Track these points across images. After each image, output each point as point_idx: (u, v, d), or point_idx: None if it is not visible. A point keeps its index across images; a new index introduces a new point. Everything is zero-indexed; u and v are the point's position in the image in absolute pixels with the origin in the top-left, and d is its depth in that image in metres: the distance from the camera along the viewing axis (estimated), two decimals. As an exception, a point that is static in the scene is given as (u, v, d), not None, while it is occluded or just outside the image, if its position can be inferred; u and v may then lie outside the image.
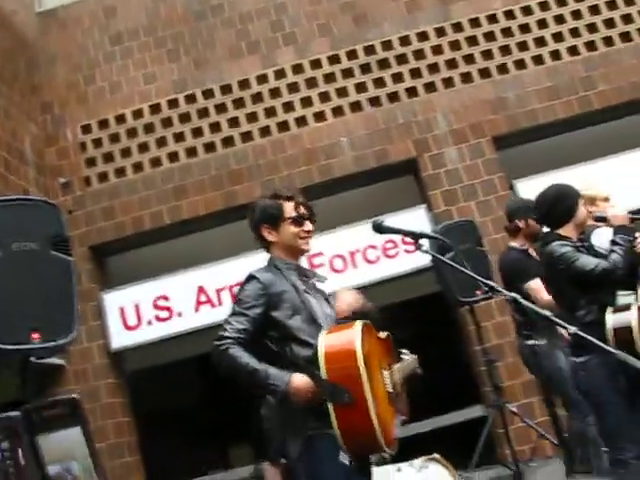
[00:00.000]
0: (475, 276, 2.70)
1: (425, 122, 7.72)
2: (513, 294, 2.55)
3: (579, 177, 7.01)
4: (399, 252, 7.32)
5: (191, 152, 7.89)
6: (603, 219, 3.84)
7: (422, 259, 6.74)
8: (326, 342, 2.75)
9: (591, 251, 3.77)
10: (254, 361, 2.75)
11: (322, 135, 7.72)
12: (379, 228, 2.94)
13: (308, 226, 3.08)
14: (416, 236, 2.85)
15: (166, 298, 7.70)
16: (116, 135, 8.01)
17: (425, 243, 2.92)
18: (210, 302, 7.63)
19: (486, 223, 7.06)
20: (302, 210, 3.08)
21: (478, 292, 5.72)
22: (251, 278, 2.93)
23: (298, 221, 3.05)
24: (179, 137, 7.93)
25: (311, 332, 2.86)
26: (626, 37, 8.06)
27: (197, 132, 7.92)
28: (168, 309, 7.69)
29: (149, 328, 7.66)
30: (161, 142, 7.93)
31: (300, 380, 2.73)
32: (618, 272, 3.57)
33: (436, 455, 4.30)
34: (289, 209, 3.06)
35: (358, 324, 2.80)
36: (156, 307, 7.69)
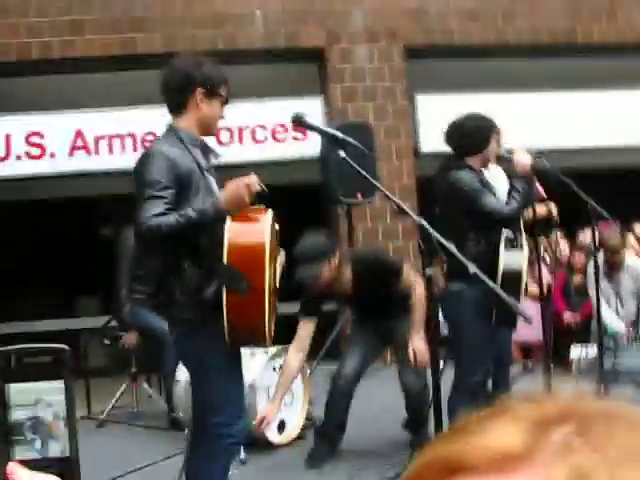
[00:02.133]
0: (379, 186, 2.64)
1: (342, 14, 7.51)
2: (419, 218, 2.43)
3: (479, 104, 7.13)
4: (287, 137, 7.24)
5: (95, -13, 7.35)
6: (507, 160, 3.82)
7: (308, 148, 6.73)
8: (233, 228, 2.64)
9: (488, 187, 3.80)
10: (180, 214, 2.58)
11: (235, 2, 7.38)
12: (300, 121, 2.82)
13: (224, 113, 2.97)
14: (336, 140, 2.72)
15: (41, 135, 7.31)
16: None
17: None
18: (86, 149, 7.33)
19: (379, 128, 7.05)
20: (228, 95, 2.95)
21: (359, 194, 5.77)
22: (157, 154, 2.71)
23: (225, 104, 2.92)
24: (86, -33, 7.34)
25: None
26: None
27: (105, -33, 7.35)
28: (41, 147, 7.33)
29: (18, 163, 7.30)
30: (63, -32, 7.32)
31: (229, 188, 2.63)
32: (514, 220, 3.66)
33: (289, 346, 4.42)
34: (225, 88, 2.92)
35: (269, 215, 2.73)
36: (28, 143, 7.30)
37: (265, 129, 7.33)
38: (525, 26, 7.91)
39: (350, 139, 2.69)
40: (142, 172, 2.70)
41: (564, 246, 7.23)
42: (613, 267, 6.30)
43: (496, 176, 4.08)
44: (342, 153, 2.63)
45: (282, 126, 7.23)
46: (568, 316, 6.74)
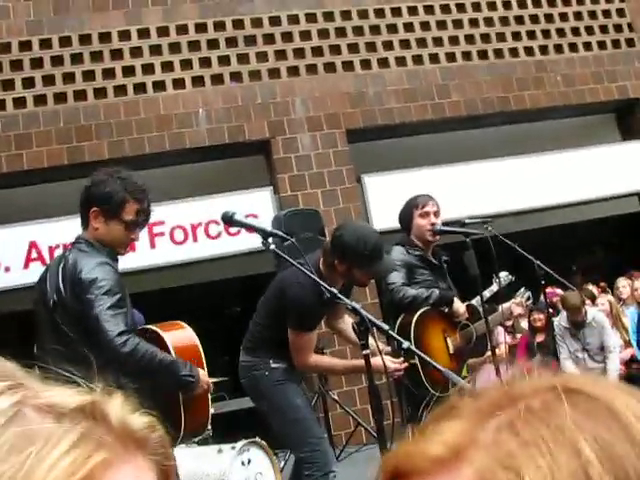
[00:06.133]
0: (318, 280, 2.73)
1: (283, 105, 7.75)
2: (352, 303, 2.61)
3: (425, 179, 7.37)
4: (241, 230, 7.28)
5: (40, 100, 7.48)
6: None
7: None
8: (170, 337, 2.89)
9: (424, 264, 4.03)
10: (164, 352, 2.66)
11: (178, 103, 7.56)
12: (229, 220, 2.85)
13: (137, 235, 2.89)
14: (265, 234, 2.79)
15: (-6, 250, 7.30)
16: (-42, 68, 7.46)
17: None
18: (41, 259, 7.31)
19: (329, 212, 7.21)
20: (141, 218, 2.86)
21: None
22: (104, 264, 2.70)
23: (131, 227, 2.84)
24: (29, 82, 7.50)
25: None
26: (484, 55, 8.49)
27: (48, 80, 7.50)
28: (-5, 261, 7.30)
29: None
30: (8, 85, 7.47)
31: (204, 375, 2.77)
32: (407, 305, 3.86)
33: (257, 439, 4.40)
34: (130, 210, 2.81)
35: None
36: (-18, 258, 7.27)
37: (218, 224, 7.40)
38: (460, 99, 8.24)
39: (277, 231, 2.82)
40: (92, 280, 2.63)
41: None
42: (577, 324, 6.41)
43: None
44: (272, 245, 2.72)
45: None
46: (535, 376, 6.79)
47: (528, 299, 4.81)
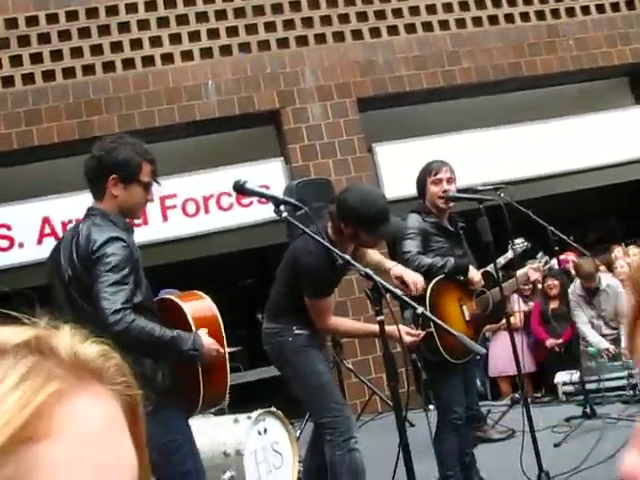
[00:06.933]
0: (331, 248, 2.77)
1: (293, 75, 7.70)
2: (365, 269, 2.61)
3: (436, 147, 7.31)
4: (253, 201, 7.32)
5: (48, 75, 7.45)
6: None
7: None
8: (189, 307, 2.86)
9: (439, 231, 4.02)
10: (163, 328, 2.61)
11: (187, 75, 7.52)
12: (241, 189, 2.87)
13: (152, 195, 2.89)
14: (278, 202, 2.81)
15: (8, 227, 7.33)
16: (-36, 45, 7.43)
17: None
18: (55, 234, 7.34)
19: (341, 182, 7.17)
20: (153, 178, 2.88)
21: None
22: (115, 239, 2.66)
23: (148, 188, 2.85)
24: (36, 58, 7.48)
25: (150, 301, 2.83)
26: (494, 20, 8.37)
27: (56, 55, 7.47)
28: (9, 238, 7.34)
29: (-13, 256, 7.29)
30: (16, 61, 7.45)
31: (207, 339, 2.72)
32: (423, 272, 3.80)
33: (273, 409, 4.42)
34: (146, 172, 2.82)
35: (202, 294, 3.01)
36: (-4, 235, 7.31)
37: (230, 196, 7.40)
38: (471, 66, 8.15)
39: (289, 199, 2.83)
40: (101, 255, 2.62)
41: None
42: (591, 291, 6.39)
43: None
44: (285, 213, 2.76)
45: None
46: (550, 342, 6.80)
47: (546, 264, 4.79)
